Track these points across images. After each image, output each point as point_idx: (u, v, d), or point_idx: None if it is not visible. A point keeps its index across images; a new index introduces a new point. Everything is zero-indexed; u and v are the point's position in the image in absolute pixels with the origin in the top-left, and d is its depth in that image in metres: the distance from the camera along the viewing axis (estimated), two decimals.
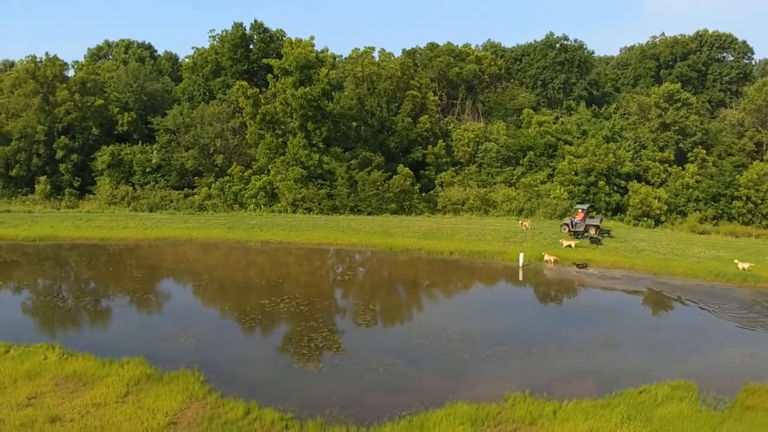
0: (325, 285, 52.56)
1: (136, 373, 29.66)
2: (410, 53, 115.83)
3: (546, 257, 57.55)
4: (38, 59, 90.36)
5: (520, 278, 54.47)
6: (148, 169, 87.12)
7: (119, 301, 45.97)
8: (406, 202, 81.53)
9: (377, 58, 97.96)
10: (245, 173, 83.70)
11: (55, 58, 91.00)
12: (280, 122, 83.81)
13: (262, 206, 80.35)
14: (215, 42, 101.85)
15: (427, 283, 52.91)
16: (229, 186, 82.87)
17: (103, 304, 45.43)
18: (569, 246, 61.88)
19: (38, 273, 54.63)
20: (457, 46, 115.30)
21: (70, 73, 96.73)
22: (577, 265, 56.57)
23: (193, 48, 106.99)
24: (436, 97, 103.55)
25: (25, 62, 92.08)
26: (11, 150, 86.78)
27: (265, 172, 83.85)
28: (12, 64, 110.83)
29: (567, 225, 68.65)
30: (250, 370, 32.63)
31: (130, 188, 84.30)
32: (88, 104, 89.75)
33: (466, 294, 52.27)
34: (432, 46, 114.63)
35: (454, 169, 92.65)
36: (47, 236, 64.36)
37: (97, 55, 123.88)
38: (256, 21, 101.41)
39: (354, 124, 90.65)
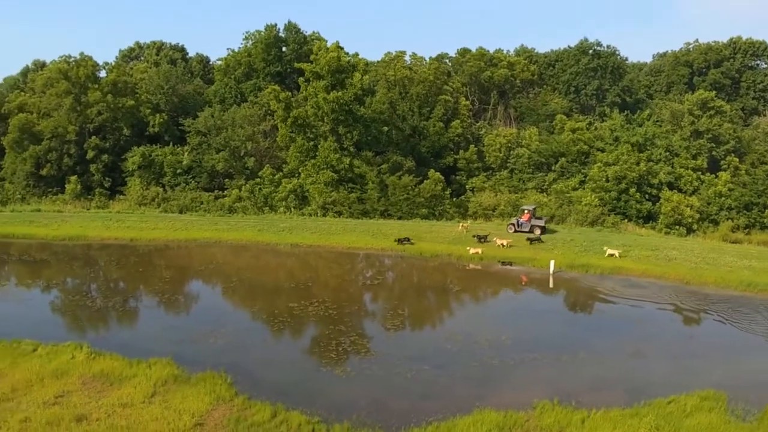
0: (354, 289, 51.94)
1: (163, 373, 29.28)
2: (439, 58, 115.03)
3: (471, 251, 59.55)
4: (71, 59, 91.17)
5: (551, 285, 53.59)
6: (178, 171, 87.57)
7: (148, 302, 45.91)
8: (437, 207, 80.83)
9: (409, 62, 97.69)
10: (276, 176, 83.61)
11: (88, 58, 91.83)
12: (311, 126, 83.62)
13: (292, 209, 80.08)
14: (248, 44, 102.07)
15: (457, 288, 52.24)
16: (260, 189, 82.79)
17: (131, 304, 45.39)
18: (502, 245, 62.04)
19: (67, 272, 54.82)
20: (489, 51, 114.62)
21: (102, 74, 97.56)
22: (502, 263, 57.70)
23: (228, 49, 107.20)
24: (468, 102, 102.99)
25: (57, 62, 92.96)
26: (42, 149, 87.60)
27: (296, 175, 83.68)
28: (43, 65, 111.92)
29: (513, 225, 69.41)
30: (277, 373, 32.14)
31: (161, 189, 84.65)
32: (120, 105, 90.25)
33: (496, 300, 51.40)
34: (464, 51, 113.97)
35: (485, 174, 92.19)
36: (77, 236, 64.60)
37: (129, 56, 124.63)
38: (289, 22, 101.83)
39: (385, 128, 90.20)
